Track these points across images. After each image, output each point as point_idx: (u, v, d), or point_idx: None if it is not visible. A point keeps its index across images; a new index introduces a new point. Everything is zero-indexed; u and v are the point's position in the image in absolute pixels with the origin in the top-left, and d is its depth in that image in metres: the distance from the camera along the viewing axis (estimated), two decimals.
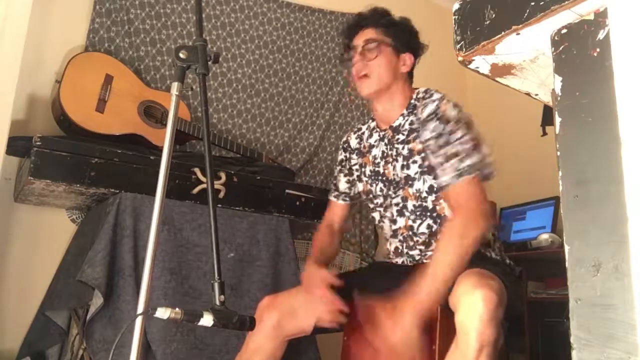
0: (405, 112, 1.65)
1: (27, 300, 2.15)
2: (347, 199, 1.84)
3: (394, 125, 1.66)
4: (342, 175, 1.84)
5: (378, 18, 1.67)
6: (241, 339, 1.63)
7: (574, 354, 0.52)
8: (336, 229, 1.84)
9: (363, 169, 1.77)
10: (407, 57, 1.67)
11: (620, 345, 0.48)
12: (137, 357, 1.09)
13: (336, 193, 1.86)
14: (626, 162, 0.48)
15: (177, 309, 1.04)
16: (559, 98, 0.56)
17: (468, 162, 1.44)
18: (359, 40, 1.66)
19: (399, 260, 1.67)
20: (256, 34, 2.88)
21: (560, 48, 0.56)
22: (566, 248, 0.54)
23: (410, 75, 1.70)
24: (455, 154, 1.45)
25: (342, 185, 1.84)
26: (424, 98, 1.60)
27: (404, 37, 1.67)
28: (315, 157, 2.96)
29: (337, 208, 1.85)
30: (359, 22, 1.69)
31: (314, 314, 1.55)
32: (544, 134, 2.81)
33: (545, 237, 2.70)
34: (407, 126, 1.63)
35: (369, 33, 1.66)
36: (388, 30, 1.65)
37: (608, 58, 0.51)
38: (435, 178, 1.52)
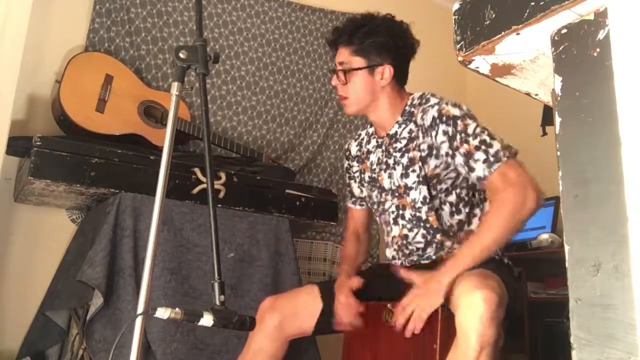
0: (400, 119, 1.63)
1: (27, 300, 2.15)
2: (364, 203, 1.84)
3: (390, 133, 1.65)
4: (352, 181, 1.85)
5: (351, 35, 1.61)
6: (241, 339, 1.63)
7: (574, 354, 0.52)
8: (361, 235, 1.86)
9: (363, 175, 1.77)
10: (386, 69, 1.60)
11: (620, 345, 0.48)
12: (137, 357, 1.09)
13: (353, 199, 1.86)
14: (626, 162, 0.48)
15: (177, 309, 1.04)
16: (559, 98, 0.56)
17: (493, 149, 1.44)
18: (337, 59, 1.65)
19: (398, 262, 1.67)
20: (258, 32, 2.89)
21: (560, 48, 0.56)
22: (566, 248, 0.54)
23: (400, 80, 1.65)
24: (477, 147, 1.45)
25: (357, 190, 1.84)
26: (420, 104, 1.58)
27: (379, 51, 1.60)
28: (318, 155, 2.96)
29: (356, 214, 1.87)
30: (334, 39, 1.66)
31: (338, 313, 1.59)
32: (544, 134, 2.81)
33: (545, 237, 2.70)
34: (405, 134, 1.61)
35: (342, 53, 1.63)
36: (360, 48, 1.60)
37: (608, 58, 0.51)
38: (470, 172, 1.50)
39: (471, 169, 1.47)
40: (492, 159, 1.44)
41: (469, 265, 1.38)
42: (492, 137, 1.47)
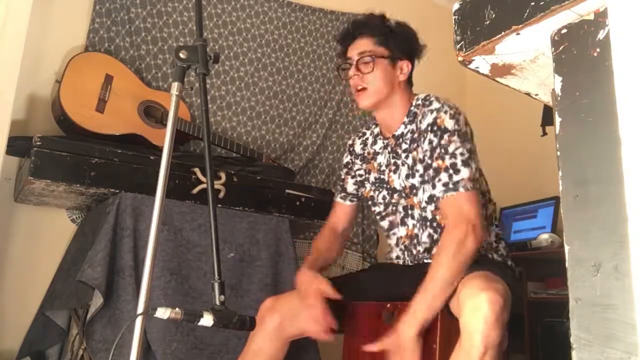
0: (406, 120, 1.63)
1: (27, 300, 2.15)
2: (355, 199, 1.81)
3: (396, 134, 1.65)
4: (349, 177, 1.81)
5: (373, 26, 1.62)
6: (241, 339, 1.63)
7: (574, 354, 0.52)
8: (339, 232, 1.81)
9: (367, 175, 1.75)
10: (405, 65, 1.63)
11: (620, 345, 0.48)
12: (137, 357, 1.09)
13: (343, 194, 1.82)
14: (626, 162, 0.48)
15: (177, 309, 1.04)
16: (559, 98, 0.56)
17: (458, 177, 1.45)
18: (353, 51, 1.63)
19: (400, 262, 1.67)
20: (257, 32, 2.89)
21: (560, 48, 0.56)
22: (566, 248, 0.54)
23: (409, 80, 1.67)
24: (446, 168, 1.46)
25: (350, 187, 1.81)
26: (423, 106, 1.59)
27: (400, 45, 1.62)
28: (317, 156, 2.96)
29: (342, 210, 1.82)
30: (354, 30, 1.64)
31: (304, 321, 1.52)
32: (544, 134, 2.81)
33: (545, 237, 2.70)
34: (408, 135, 1.62)
35: (364, 44, 1.62)
36: (384, 39, 1.61)
37: (608, 58, 0.51)
38: (432, 188, 1.53)
39: (433, 186, 1.50)
40: (451, 185, 1.45)
41: (425, 316, 1.34)
42: (465, 164, 1.46)
